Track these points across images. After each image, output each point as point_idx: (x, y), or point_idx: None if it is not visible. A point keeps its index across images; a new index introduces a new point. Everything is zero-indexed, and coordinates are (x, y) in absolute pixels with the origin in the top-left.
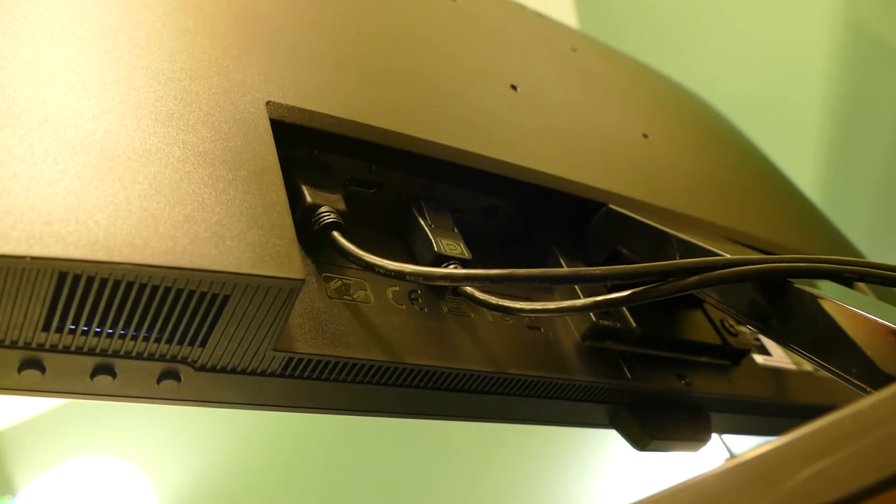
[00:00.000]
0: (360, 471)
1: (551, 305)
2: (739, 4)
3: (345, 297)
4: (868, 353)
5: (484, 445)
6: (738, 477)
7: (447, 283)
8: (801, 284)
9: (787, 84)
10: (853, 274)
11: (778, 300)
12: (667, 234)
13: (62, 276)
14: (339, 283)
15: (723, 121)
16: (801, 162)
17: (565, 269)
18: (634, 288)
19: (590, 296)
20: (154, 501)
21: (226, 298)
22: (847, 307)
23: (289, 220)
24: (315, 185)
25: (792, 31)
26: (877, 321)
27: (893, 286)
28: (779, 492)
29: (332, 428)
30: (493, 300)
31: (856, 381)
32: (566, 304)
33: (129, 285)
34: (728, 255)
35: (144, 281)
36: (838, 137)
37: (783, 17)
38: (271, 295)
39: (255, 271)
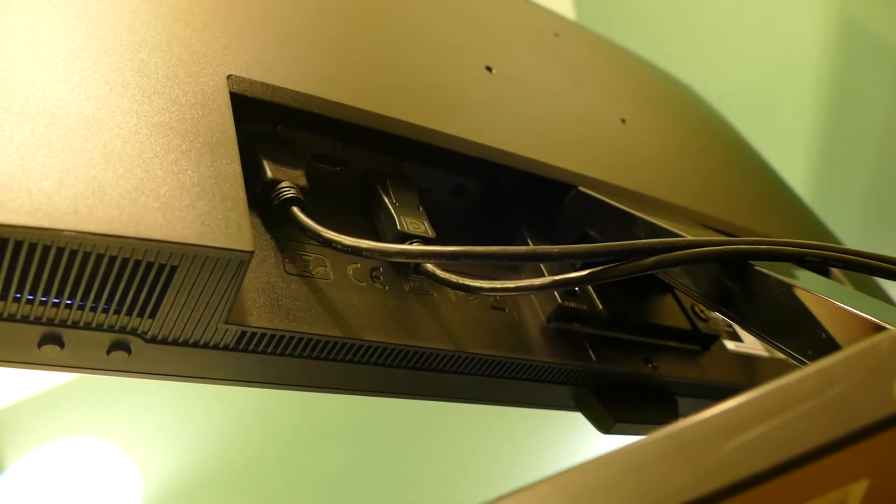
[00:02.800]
0: (352, 458)
1: (510, 284)
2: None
3: (304, 272)
4: (824, 335)
5: (478, 430)
6: (662, 448)
7: (403, 260)
8: (763, 267)
9: (780, 78)
10: (814, 257)
11: (738, 283)
12: (633, 216)
13: (3, 243)
14: (299, 258)
15: (708, 109)
16: (793, 155)
17: (522, 248)
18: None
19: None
20: (139, 485)
21: (173, 269)
22: (808, 291)
23: (241, 193)
24: (277, 160)
25: (787, 27)
26: (837, 305)
27: (855, 270)
28: (701, 462)
29: (323, 416)
30: (454, 278)
31: None
32: (524, 283)
33: (73, 253)
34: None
35: (88, 249)
36: (830, 131)
37: (778, 11)
38: (220, 267)
39: (202, 242)
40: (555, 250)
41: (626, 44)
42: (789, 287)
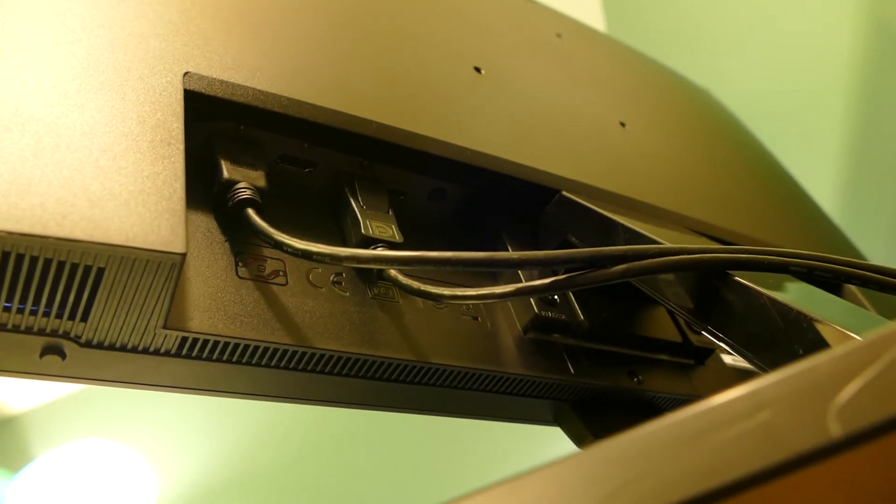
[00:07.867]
0: (365, 467)
1: (471, 292)
2: (767, 4)
3: (257, 276)
4: (801, 351)
5: (494, 440)
6: (574, 474)
7: (355, 265)
8: (745, 278)
9: (812, 84)
10: (800, 267)
11: (716, 293)
12: (613, 221)
13: None
14: (253, 262)
15: (725, 115)
16: (821, 164)
17: (480, 254)
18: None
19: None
20: (154, 488)
21: (101, 271)
22: (786, 303)
23: (180, 193)
24: (236, 160)
25: (820, 31)
26: (817, 318)
27: (847, 281)
28: (607, 493)
29: (338, 422)
30: (415, 285)
31: None
32: (485, 291)
33: None
34: (667, 244)
35: (8, 248)
36: (860, 140)
37: (812, 16)
38: (151, 269)
39: (129, 243)
40: (514, 256)
41: (654, 49)
42: (767, 298)
